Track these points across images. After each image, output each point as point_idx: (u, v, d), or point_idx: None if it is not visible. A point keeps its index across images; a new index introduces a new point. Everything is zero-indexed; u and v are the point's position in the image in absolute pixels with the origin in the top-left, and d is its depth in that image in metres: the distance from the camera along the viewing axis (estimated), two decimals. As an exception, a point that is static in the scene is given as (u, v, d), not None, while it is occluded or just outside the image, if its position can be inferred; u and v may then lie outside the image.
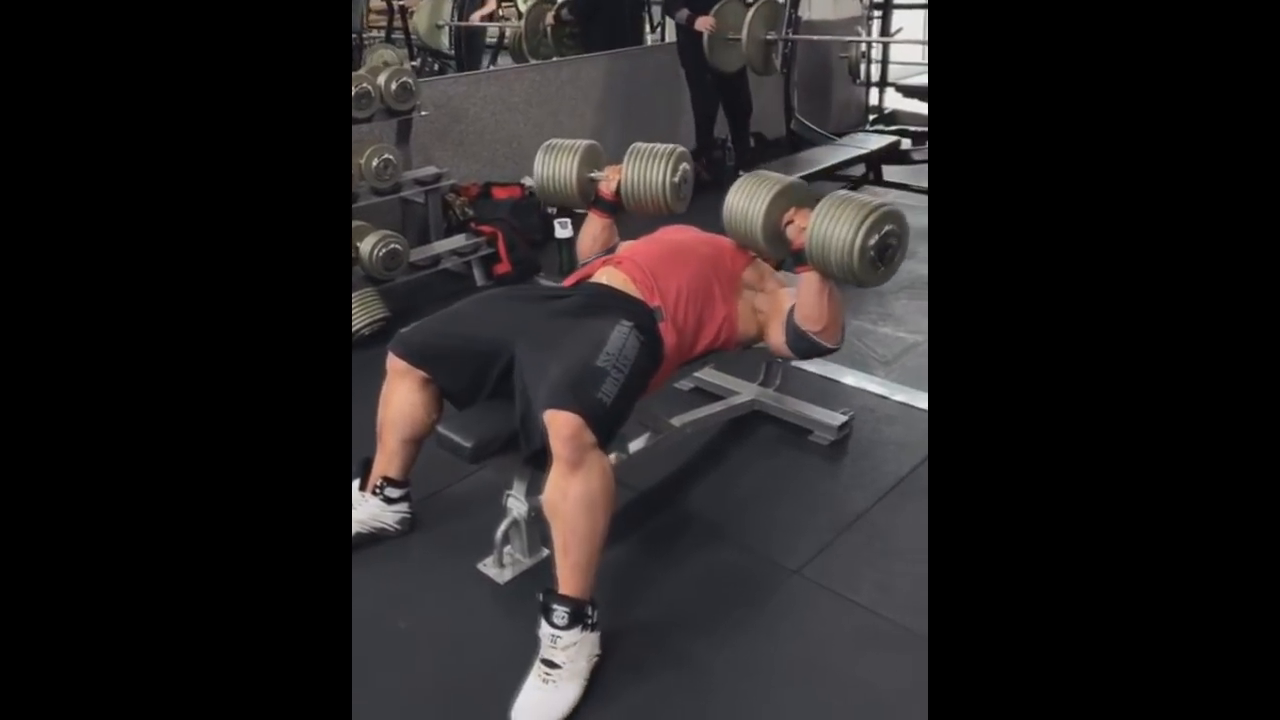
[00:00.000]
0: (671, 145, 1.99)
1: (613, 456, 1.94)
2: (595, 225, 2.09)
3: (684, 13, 4.13)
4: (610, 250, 2.07)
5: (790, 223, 1.77)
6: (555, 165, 2.05)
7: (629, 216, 2.09)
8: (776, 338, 1.89)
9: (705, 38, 4.00)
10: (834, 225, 1.65)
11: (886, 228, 1.65)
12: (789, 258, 1.82)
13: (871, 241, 1.63)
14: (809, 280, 1.76)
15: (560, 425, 1.46)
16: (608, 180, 2.03)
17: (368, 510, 1.83)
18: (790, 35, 4.06)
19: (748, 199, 1.82)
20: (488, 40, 5.53)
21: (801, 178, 3.79)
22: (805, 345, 1.85)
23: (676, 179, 1.95)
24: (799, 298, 1.81)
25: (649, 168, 1.95)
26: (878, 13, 5.45)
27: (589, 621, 1.50)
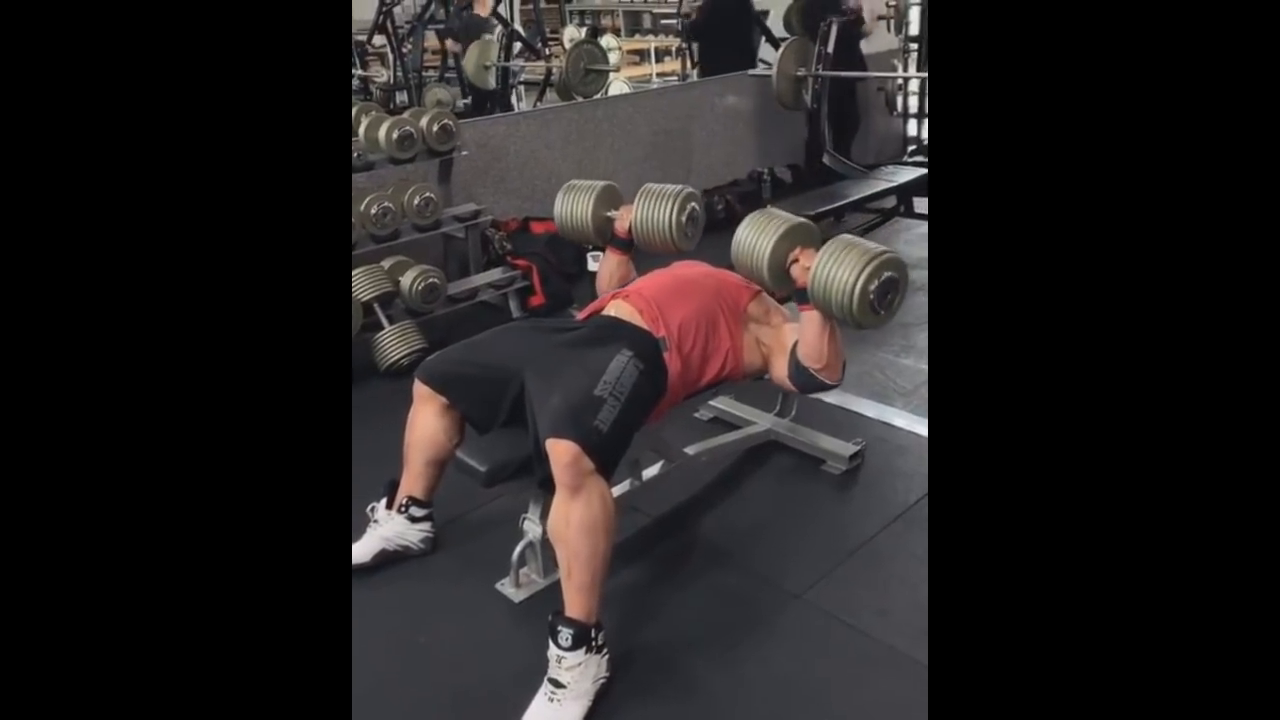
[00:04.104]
0: (680, 186, 2.08)
1: (626, 483, 2.04)
2: (611, 262, 2.19)
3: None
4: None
5: (795, 261, 1.82)
6: (573, 205, 2.17)
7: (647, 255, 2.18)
8: (779, 370, 1.96)
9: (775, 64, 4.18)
10: (837, 268, 1.70)
11: (886, 275, 1.70)
12: (793, 295, 1.88)
13: (872, 287, 1.68)
14: (811, 319, 1.82)
15: (559, 453, 1.55)
16: (621, 219, 2.13)
17: (393, 528, 1.94)
18: (820, 71, 4.14)
19: (755, 235, 1.87)
20: (525, 78, 5.73)
21: (833, 210, 3.89)
22: (805, 380, 1.91)
23: (684, 219, 2.04)
24: (801, 336, 1.88)
25: (658, 208, 2.04)
26: (914, 45, 5.51)
27: (594, 644, 1.57)
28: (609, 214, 2.16)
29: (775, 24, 5.10)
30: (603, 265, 2.22)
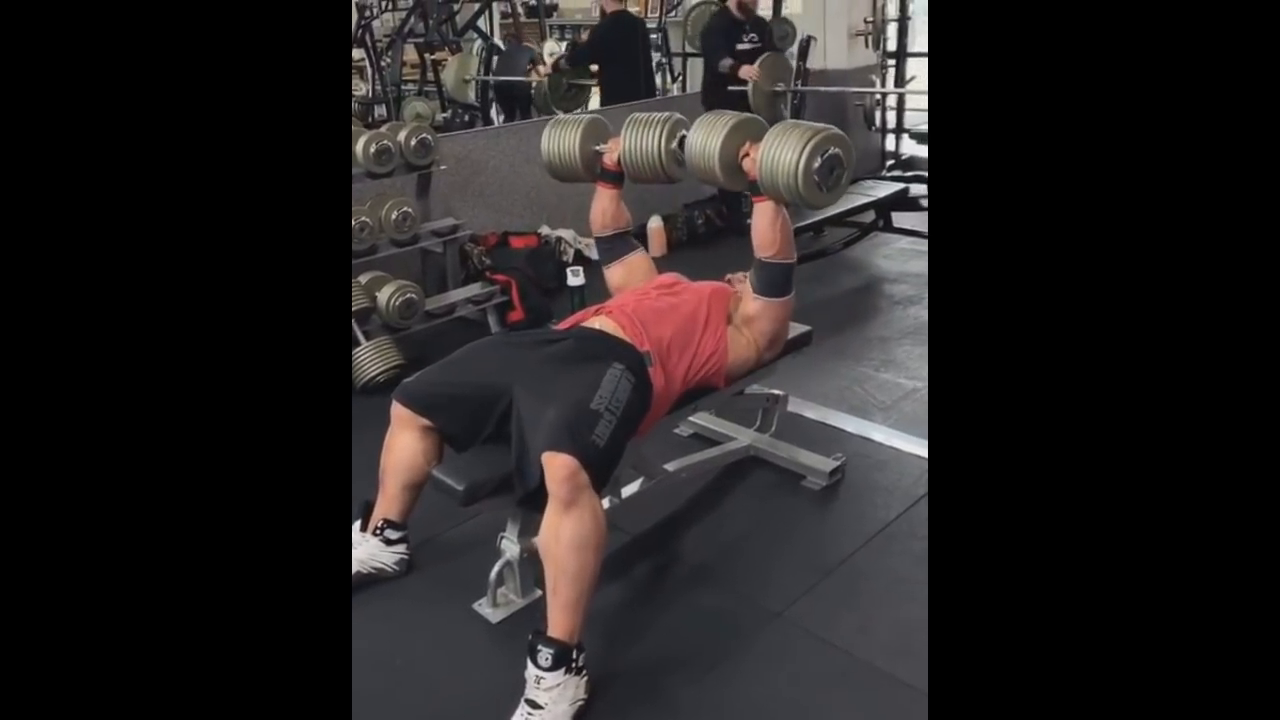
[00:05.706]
0: (669, 113, 2.06)
1: (606, 500, 2.01)
2: (604, 198, 2.18)
3: (727, 61, 4.33)
4: (622, 231, 2.19)
5: (746, 156, 1.87)
6: (560, 140, 2.16)
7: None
8: (748, 302, 2.01)
9: (750, 86, 4.17)
10: (781, 151, 1.76)
11: (830, 151, 1.75)
12: (746, 188, 1.91)
13: (815, 164, 1.74)
14: (762, 211, 1.89)
15: (557, 467, 1.54)
16: (609, 151, 2.12)
17: (367, 550, 1.91)
18: (799, 86, 4.16)
19: (705, 135, 1.90)
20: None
21: (812, 224, 3.90)
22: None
23: (674, 144, 2.02)
24: (755, 231, 1.92)
25: (646, 135, 2.03)
26: (892, 61, 5.56)
27: (574, 665, 1.55)
28: (597, 148, 2.15)
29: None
30: (595, 202, 2.20)
